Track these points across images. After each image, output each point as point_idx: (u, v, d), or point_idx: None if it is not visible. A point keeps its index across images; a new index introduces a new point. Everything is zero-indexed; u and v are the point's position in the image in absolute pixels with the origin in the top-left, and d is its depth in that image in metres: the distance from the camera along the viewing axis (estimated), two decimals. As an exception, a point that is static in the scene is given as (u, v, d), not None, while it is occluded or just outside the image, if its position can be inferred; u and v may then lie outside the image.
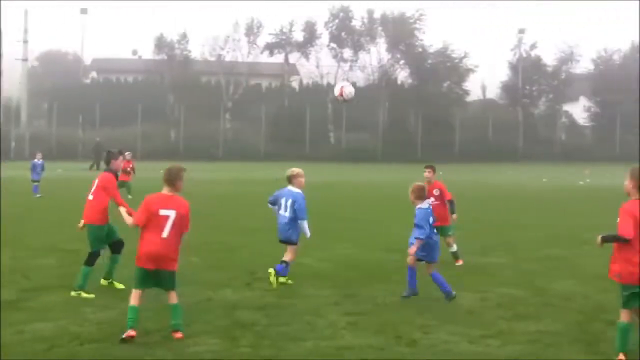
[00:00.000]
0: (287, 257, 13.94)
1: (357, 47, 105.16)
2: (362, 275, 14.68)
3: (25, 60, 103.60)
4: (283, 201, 14.17)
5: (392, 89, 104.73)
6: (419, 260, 12.59)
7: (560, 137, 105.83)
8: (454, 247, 16.66)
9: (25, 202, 30.84)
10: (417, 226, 12.48)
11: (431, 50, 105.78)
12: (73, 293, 12.52)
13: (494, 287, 13.55)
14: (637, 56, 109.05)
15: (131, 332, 9.68)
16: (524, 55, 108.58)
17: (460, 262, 16.41)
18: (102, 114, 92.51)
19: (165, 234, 9.87)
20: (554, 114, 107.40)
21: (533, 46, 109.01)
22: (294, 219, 13.98)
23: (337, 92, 13.13)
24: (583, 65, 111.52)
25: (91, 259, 12.87)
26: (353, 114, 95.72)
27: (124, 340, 9.54)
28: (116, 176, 13.49)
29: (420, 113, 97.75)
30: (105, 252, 13.23)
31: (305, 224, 14.04)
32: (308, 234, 14.20)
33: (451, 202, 16.77)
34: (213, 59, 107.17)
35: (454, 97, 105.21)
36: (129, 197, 27.22)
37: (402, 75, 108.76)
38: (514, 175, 60.11)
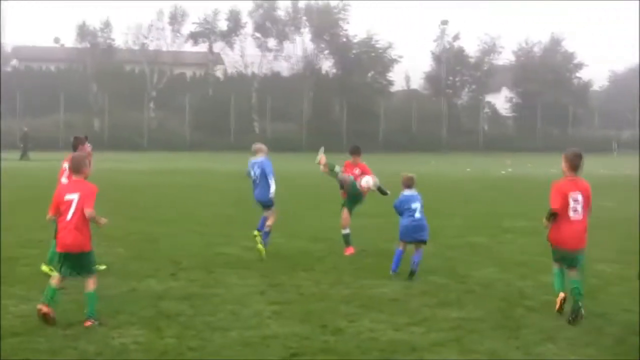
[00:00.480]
0: (270, 221, 15.80)
1: (282, 37, 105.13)
2: (287, 265, 14.69)
3: None
4: (254, 171, 16.04)
5: (317, 78, 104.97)
6: (408, 243, 13.89)
7: (483, 127, 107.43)
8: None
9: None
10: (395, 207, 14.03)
11: (355, 40, 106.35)
12: (44, 268, 13.46)
13: (418, 275, 13.68)
14: (557, 48, 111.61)
15: (44, 308, 9.85)
16: (447, 46, 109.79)
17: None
18: (24, 103, 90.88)
19: (69, 216, 10.07)
20: (477, 104, 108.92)
21: (456, 37, 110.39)
22: (267, 183, 15.76)
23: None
24: (505, 57, 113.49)
25: None
26: (278, 104, 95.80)
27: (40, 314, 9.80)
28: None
29: (344, 103, 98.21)
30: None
31: (272, 180, 15.77)
32: (273, 187, 15.77)
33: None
34: (137, 47, 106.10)
35: (378, 87, 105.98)
36: None
37: (327, 65, 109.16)
38: (438, 165, 60.77)
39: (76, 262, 10.25)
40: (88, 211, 10.07)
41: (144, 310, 10.76)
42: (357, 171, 17.16)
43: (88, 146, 14.21)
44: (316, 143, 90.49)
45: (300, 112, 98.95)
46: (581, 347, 9.16)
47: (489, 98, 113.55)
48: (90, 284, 10.23)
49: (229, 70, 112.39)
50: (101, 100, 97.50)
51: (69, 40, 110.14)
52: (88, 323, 9.91)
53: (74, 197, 10.17)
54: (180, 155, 76.95)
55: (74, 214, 10.11)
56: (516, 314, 10.86)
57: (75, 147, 14.18)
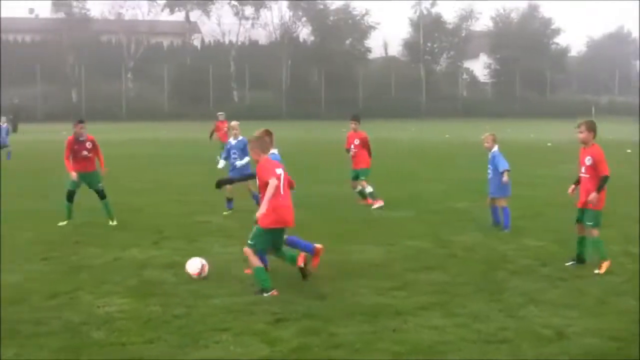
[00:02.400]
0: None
1: (259, 5, 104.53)
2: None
3: None
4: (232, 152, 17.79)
5: (294, 46, 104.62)
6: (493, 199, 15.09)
7: (462, 93, 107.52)
8: (370, 188, 18.78)
9: None
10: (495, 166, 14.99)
11: (332, 7, 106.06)
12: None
13: (400, 240, 13.76)
14: (534, 14, 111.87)
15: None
16: (425, 12, 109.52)
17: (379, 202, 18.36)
18: (1, 75, 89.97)
19: (282, 191, 10.27)
20: (455, 71, 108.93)
21: (433, 3, 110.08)
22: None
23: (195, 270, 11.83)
24: (483, 23, 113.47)
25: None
26: (256, 71, 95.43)
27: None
28: (76, 140, 15.95)
29: (322, 70, 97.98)
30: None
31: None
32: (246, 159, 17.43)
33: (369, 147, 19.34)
34: (113, 17, 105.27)
35: (356, 54, 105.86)
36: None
37: (304, 32, 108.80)
38: (417, 132, 60.90)
39: (279, 238, 10.42)
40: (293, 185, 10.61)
41: (128, 280, 10.79)
42: (356, 142, 19.13)
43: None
44: (295, 111, 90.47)
45: (279, 80, 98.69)
46: (563, 309, 9.24)
47: (467, 64, 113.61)
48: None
49: (207, 39, 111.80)
50: (78, 71, 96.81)
51: (44, 11, 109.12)
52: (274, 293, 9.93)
53: (282, 171, 10.33)
54: (159, 125, 76.60)
55: (284, 188, 10.23)
56: (498, 277, 10.95)
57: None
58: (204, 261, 10.92)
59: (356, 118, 19.51)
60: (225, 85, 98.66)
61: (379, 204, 18.38)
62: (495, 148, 15.18)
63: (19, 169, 28.88)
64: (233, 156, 17.83)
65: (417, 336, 8.23)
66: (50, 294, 9.96)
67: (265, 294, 9.84)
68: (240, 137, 17.86)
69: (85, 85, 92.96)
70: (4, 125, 34.50)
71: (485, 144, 15.32)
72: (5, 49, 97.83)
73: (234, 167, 17.74)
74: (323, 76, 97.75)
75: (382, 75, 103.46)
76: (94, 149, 16.14)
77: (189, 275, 10.82)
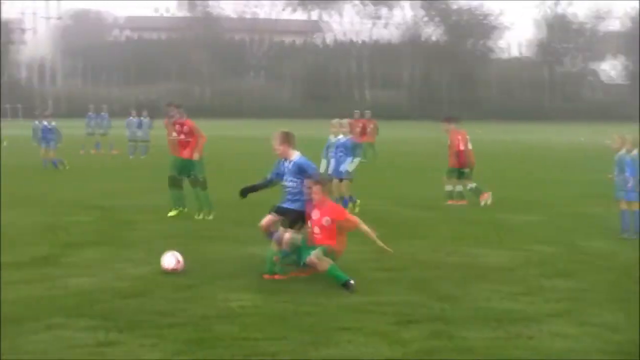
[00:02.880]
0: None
1: (390, 4, 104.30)
2: (400, 232, 14.64)
3: (59, 19, 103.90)
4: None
5: (419, 45, 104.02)
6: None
7: (590, 95, 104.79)
8: (473, 185, 19.53)
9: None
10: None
11: (461, 7, 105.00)
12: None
13: (527, 244, 13.51)
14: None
15: None
16: (553, 12, 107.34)
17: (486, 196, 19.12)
18: (133, 72, 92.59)
19: None
20: (584, 72, 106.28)
21: (557, 3, 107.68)
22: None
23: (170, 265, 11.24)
24: (614, 23, 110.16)
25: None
26: (379, 71, 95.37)
27: None
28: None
29: (447, 70, 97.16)
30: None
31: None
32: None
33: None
34: (237, 16, 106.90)
35: (482, 54, 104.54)
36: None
37: (430, 32, 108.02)
38: (546, 134, 59.65)
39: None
40: None
41: (258, 275, 10.86)
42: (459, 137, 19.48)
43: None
44: (418, 111, 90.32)
45: (402, 80, 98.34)
46: None
47: (597, 65, 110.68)
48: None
49: (330, 38, 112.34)
50: (204, 68, 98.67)
51: (174, 10, 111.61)
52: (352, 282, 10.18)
53: None
54: (284, 122, 77.33)
55: None
56: (632, 287, 10.53)
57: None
58: (179, 257, 11.00)
59: (452, 119, 20.30)
60: (347, 84, 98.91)
61: (462, 202, 19.15)
62: (635, 151, 14.51)
63: (153, 163, 29.44)
64: (339, 154, 17.70)
65: (550, 344, 8.01)
66: (184, 286, 10.15)
67: (351, 285, 10.03)
68: (349, 136, 17.77)
69: (212, 82, 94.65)
70: (146, 119, 35.19)
71: (615, 145, 14.81)
72: (132, 47, 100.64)
73: (337, 165, 17.63)
74: (448, 76, 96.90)
75: (507, 75, 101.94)
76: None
77: (164, 269, 10.95)
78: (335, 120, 18.28)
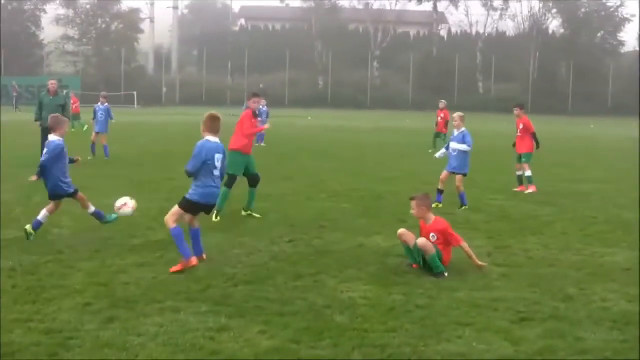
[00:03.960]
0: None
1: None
2: (515, 228, 14.38)
3: (176, 8, 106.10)
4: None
5: (543, 38, 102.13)
6: None
7: None
8: (529, 172, 20.11)
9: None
10: None
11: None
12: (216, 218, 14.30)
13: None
14: None
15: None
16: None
17: (532, 189, 19.66)
18: (250, 61, 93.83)
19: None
20: None
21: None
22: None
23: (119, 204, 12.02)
24: None
25: (230, 182, 14.62)
26: (503, 64, 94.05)
27: None
28: (253, 114, 15.14)
29: (571, 64, 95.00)
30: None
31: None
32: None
33: (534, 134, 20.71)
34: (361, 6, 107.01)
35: (607, 48, 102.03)
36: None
37: (554, 24, 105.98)
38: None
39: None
40: None
41: (371, 266, 10.83)
42: (521, 126, 20.75)
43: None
44: (541, 105, 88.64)
45: (525, 73, 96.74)
46: None
47: None
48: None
49: (453, 30, 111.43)
50: (325, 58, 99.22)
51: (299, 2, 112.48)
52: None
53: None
54: (403, 114, 77.14)
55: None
56: None
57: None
58: (130, 200, 12.03)
59: (520, 105, 21.35)
60: (471, 77, 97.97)
61: (531, 189, 19.68)
62: None
63: (274, 152, 29.76)
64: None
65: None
66: (295, 275, 10.19)
67: (443, 276, 10.26)
68: (462, 129, 17.17)
69: (332, 72, 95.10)
70: (264, 108, 35.35)
71: None
72: (257, 37, 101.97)
73: (451, 159, 17.30)
74: (572, 70, 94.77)
75: (634, 70, 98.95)
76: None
77: (115, 207, 12.00)
78: (457, 114, 17.79)
